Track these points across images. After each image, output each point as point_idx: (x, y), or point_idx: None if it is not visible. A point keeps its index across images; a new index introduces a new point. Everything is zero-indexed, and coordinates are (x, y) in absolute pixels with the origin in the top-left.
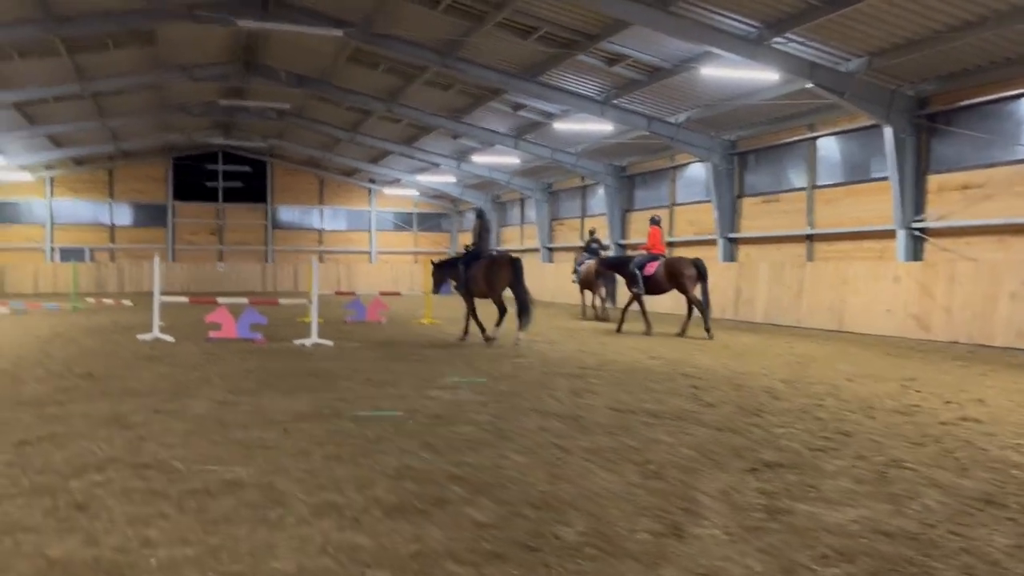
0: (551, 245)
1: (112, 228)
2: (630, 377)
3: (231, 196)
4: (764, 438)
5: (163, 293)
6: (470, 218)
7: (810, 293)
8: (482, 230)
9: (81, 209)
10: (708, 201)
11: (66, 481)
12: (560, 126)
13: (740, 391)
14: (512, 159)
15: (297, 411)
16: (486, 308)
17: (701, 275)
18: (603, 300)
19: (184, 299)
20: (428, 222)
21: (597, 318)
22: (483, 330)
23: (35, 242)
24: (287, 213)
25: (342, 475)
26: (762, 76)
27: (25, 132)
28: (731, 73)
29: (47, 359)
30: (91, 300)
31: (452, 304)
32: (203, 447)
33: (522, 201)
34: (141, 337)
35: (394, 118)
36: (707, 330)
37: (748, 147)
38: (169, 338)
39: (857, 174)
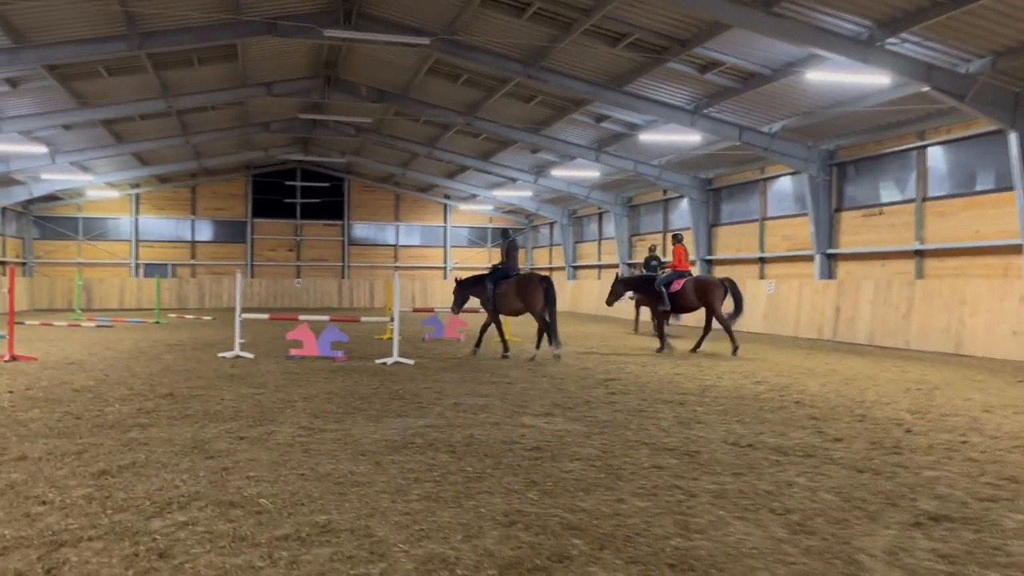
0: (630, 261)
1: (193, 244)
2: (738, 405)
3: (308, 213)
4: (915, 483)
5: (243, 310)
6: (544, 233)
7: (921, 313)
8: (510, 249)
9: (164, 226)
10: (803, 215)
11: (147, 521)
12: (645, 137)
13: (865, 423)
14: (592, 172)
15: (387, 440)
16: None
17: (727, 292)
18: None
19: (264, 316)
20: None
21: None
22: (478, 345)
23: (121, 258)
24: (363, 229)
25: (446, 519)
26: (870, 80)
27: (112, 150)
28: (838, 77)
29: (131, 377)
30: (172, 315)
31: (530, 323)
32: (291, 482)
33: (600, 216)
34: (222, 354)
35: (472, 132)
36: (734, 349)
37: (848, 157)
38: (250, 355)
39: (975, 184)
